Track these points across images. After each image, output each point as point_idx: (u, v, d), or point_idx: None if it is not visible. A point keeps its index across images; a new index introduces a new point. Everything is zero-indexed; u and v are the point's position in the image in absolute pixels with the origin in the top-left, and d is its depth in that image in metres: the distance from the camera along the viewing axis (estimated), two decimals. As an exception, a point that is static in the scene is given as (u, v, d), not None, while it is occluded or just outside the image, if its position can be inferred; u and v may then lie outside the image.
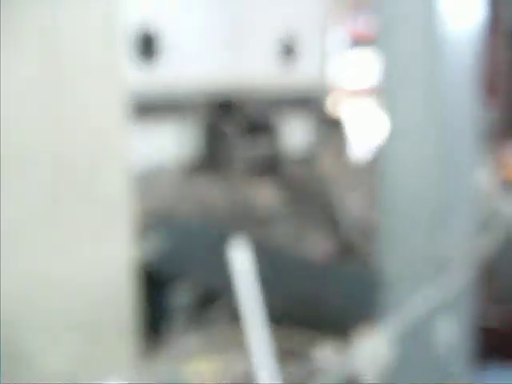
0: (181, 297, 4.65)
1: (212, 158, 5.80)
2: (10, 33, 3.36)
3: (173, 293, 4.69)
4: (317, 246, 5.69)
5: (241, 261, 3.51)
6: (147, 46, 5.35)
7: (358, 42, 13.93)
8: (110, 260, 3.72)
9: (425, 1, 4.01)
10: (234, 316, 4.31)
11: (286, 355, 4.00)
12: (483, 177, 5.02)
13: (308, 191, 6.34)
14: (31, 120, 3.37)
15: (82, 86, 3.56)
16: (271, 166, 6.23)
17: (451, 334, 4.13)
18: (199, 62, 5.76)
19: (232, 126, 5.82)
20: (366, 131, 6.94)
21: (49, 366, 3.39)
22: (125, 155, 3.83)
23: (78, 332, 3.54)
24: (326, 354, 4.01)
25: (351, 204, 5.28)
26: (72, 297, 3.51)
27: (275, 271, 4.48)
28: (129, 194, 3.86)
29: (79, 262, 3.53)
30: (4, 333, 3.28)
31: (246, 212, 5.68)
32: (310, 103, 7.00)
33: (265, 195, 6.06)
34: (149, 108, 5.35)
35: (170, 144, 5.63)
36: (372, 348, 4.03)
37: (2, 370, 3.26)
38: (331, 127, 7.09)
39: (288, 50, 6.71)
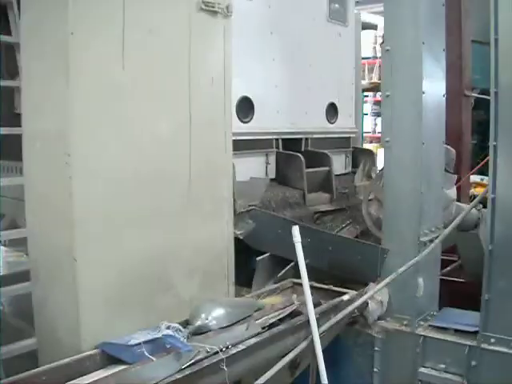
0: (261, 259, 4.90)
1: (286, 176, 6.09)
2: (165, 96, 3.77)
3: (256, 256, 4.91)
4: (350, 231, 6.04)
5: (297, 238, 4.01)
6: (246, 106, 5.66)
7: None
8: (220, 233, 4.11)
9: (414, 80, 4.39)
10: (294, 273, 4.75)
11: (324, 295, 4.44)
12: (450, 190, 5.33)
13: (346, 196, 6.64)
14: (178, 150, 3.79)
15: (207, 130, 3.99)
16: (325, 180, 6.47)
17: (425, 284, 4.50)
18: (277, 116, 6.05)
19: (299, 155, 6.05)
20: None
21: (182, 294, 3.87)
22: (231, 172, 4.23)
23: (199, 275, 4.01)
24: (349, 295, 4.35)
25: (371, 205, 5.52)
26: (198, 254, 3.90)
27: (321, 245, 4.80)
28: (232, 194, 4.30)
29: (203, 234, 3.95)
30: (160, 272, 3.80)
31: (307, 210, 6.10)
32: (348, 140, 7.28)
33: (320, 199, 6.41)
34: (250, 143, 5.74)
35: (260, 166, 5.93)
36: (378, 293, 4.49)
37: (156, 294, 3.80)
38: (362, 156, 7.31)
39: (334, 108, 6.92)
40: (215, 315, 3.62)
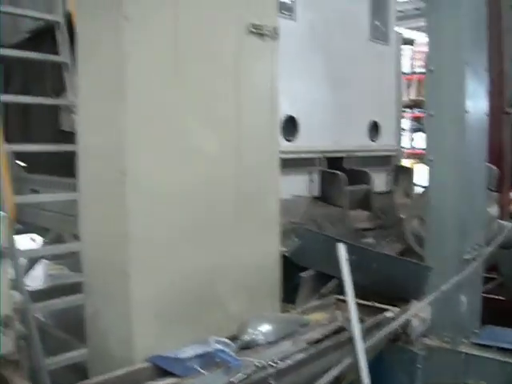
0: (305, 275, 4.95)
1: (328, 193, 6.16)
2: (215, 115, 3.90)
3: (299, 272, 4.95)
4: (392, 248, 6.05)
5: (343, 255, 4.08)
6: (290, 125, 5.79)
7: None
8: (268, 250, 4.19)
9: (457, 100, 4.44)
10: (337, 290, 4.80)
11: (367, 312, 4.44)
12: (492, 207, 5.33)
13: (387, 214, 6.73)
14: (227, 167, 3.91)
15: (255, 148, 4.08)
16: (365, 198, 6.55)
17: (467, 302, 4.53)
18: (321, 134, 6.15)
19: (340, 173, 6.14)
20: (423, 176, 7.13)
21: (230, 309, 3.93)
22: (277, 189, 4.31)
23: (247, 291, 4.07)
24: (393, 312, 4.40)
25: (412, 222, 5.55)
26: (246, 271, 3.99)
27: (365, 262, 4.75)
28: (278, 212, 4.36)
29: (251, 250, 4.04)
30: (208, 288, 3.87)
31: (348, 226, 6.13)
32: (389, 159, 7.37)
33: (360, 216, 6.48)
34: (294, 161, 5.83)
35: (303, 184, 6.02)
36: (420, 310, 4.52)
37: (204, 309, 3.87)
38: (402, 173, 7.35)
39: (376, 126, 7.02)
40: (263, 330, 3.72)
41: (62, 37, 5.96)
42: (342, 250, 4.05)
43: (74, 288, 4.54)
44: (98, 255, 3.63)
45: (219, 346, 3.44)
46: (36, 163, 6.59)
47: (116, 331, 3.54)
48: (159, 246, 3.50)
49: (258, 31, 3.95)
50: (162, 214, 3.52)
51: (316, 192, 6.19)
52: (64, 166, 6.32)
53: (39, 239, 7.98)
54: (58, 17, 5.99)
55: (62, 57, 5.92)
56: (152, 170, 3.45)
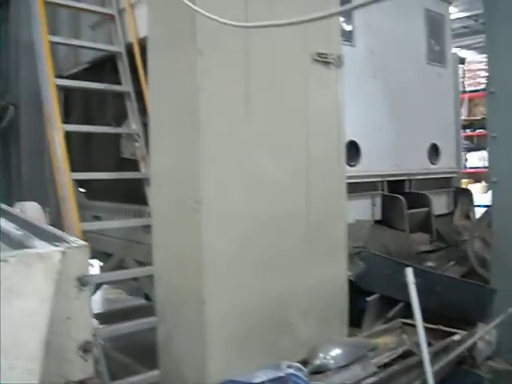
0: (371, 299, 4.94)
1: (390, 217, 6.20)
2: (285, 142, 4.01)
3: (367, 296, 4.94)
4: (454, 270, 5.97)
5: (411, 280, 4.13)
6: (353, 150, 5.84)
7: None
8: (335, 275, 4.23)
9: None
10: (401, 313, 4.84)
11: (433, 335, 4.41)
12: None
13: (448, 237, 6.73)
14: (296, 194, 3.98)
15: (323, 174, 4.15)
16: (425, 221, 6.55)
17: None
18: (382, 158, 6.20)
19: (401, 197, 6.17)
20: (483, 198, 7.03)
21: (299, 334, 4.01)
22: (344, 215, 4.38)
23: (316, 316, 4.15)
24: (460, 335, 4.37)
25: (474, 244, 5.55)
26: (314, 296, 4.04)
27: (430, 286, 4.74)
28: (345, 236, 4.45)
29: (320, 275, 4.09)
30: (278, 313, 3.96)
31: (410, 249, 6.12)
32: (449, 180, 7.37)
33: (421, 239, 6.48)
34: (356, 186, 5.88)
35: (366, 208, 6.08)
36: (487, 333, 4.52)
37: (275, 334, 3.96)
38: (462, 195, 7.34)
39: (436, 149, 7.05)
40: (333, 355, 3.77)
41: (123, 67, 6.14)
42: (409, 274, 4.10)
43: (130, 312, 4.60)
44: (173, 281, 3.73)
45: (291, 371, 3.49)
46: (96, 190, 6.74)
47: (190, 356, 3.63)
48: (233, 273, 3.59)
49: (323, 59, 4.04)
50: (236, 241, 3.61)
51: (378, 215, 6.24)
52: (124, 193, 6.52)
53: (96, 264, 8.11)
54: (119, 47, 6.16)
55: (124, 86, 6.08)
56: (225, 199, 3.55)
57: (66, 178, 5.24)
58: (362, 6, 2.04)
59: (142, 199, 6.23)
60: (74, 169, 5.38)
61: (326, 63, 4.07)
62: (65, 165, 5.27)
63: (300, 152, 3.95)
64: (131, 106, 6.07)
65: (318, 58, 3.99)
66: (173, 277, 3.72)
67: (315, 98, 4.03)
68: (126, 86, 6.09)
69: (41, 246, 2.39)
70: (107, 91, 6.36)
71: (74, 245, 2.25)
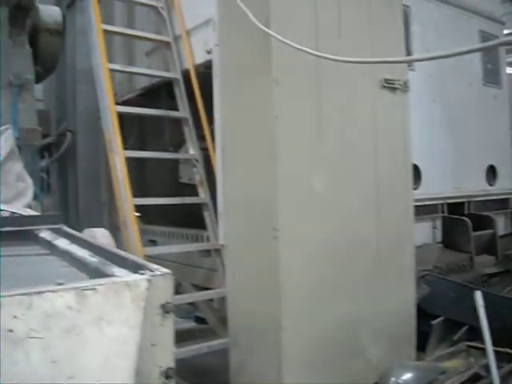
0: (436, 322, 4.90)
1: (452, 239, 6.20)
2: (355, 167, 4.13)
3: (431, 320, 4.90)
4: None
5: (479, 303, 4.16)
6: (414, 173, 5.75)
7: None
8: (404, 299, 4.24)
9: None
10: (465, 336, 4.86)
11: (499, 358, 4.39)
12: None
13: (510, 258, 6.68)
14: (367, 219, 4.06)
15: (391, 199, 4.24)
16: (490, 243, 6.54)
17: None
18: (442, 181, 6.23)
19: (466, 219, 6.16)
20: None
21: (370, 357, 4.06)
22: (412, 238, 4.44)
23: (385, 339, 4.22)
24: None
25: None
26: (384, 319, 4.15)
27: (497, 309, 4.68)
28: (413, 260, 4.46)
29: (389, 299, 4.18)
30: (350, 337, 4.02)
31: (474, 273, 6.09)
32: (507, 201, 7.36)
33: (486, 261, 6.44)
34: (418, 209, 5.76)
35: (427, 231, 6.10)
36: None
37: (346, 358, 4.01)
38: None
39: (493, 170, 7.08)
40: (405, 379, 3.82)
41: (180, 93, 6.25)
42: (478, 297, 4.14)
43: (183, 334, 4.63)
44: (248, 306, 3.80)
45: (370, 395, 3.56)
46: (151, 214, 6.83)
47: (265, 379, 3.70)
48: (308, 298, 3.66)
49: (390, 85, 4.11)
50: (311, 267, 3.68)
51: (439, 238, 6.24)
52: (180, 217, 6.61)
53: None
54: (176, 74, 6.28)
55: (182, 112, 6.19)
56: (301, 225, 3.62)
57: (128, 203, 5.35)
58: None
59: (198, 223, 6.35)
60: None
61: (393, 89, 4.14)
62: (127, 191, 5.38)
63: (369, 176, 4.03)
64: (189, 132, 6.17)
65: (386, 84, 4.06)
66: (248, 302, 3.79)
67: (383, 123, 4.10)
68: (184, 111, 6.20)
69: (121, 274, 2.42)
70: (164, 117, 6.49)
71: (158, 273, 2.25)
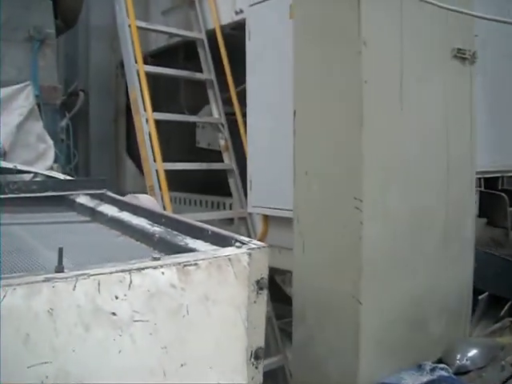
0: (481, 298, 4.68)
1: (489, 213, 5.94)
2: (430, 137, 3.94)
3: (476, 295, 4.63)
4: None
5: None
6: None
7: None
8: (464, 273, 4.04)
9: None
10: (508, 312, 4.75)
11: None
12: None
13: None
14: (438, 192, 3.87)
15: (459, 170, 3.99)
16: None
17: None
18: (480, 155, 6.12)
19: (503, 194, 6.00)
20: None
21: (433, 333, 3.87)
22: (473, 211, 4.36)
23: (447, 314, 4.00)
24: None
25: None
26: (447, 294, 3.95)
27: None
28: (474, 233, 4.29)
29: (452, 273, 3.98)
30: (417, 312, 3.87)
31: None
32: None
33: None
34: None
35: None
36: None
37: (412, 334, 3.84)
38: None
39: None
40: (470, 355, 3.72)
41: (204, 54, 6.03)
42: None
43: None
44: (319, 282, 3.60)
45: (443, 373, 3.45)
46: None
47: (337, 359, 3.52)
48: (385, 274, 3.48)
49: (460, 55, 3.94)
50: (389, 240, 3.47)
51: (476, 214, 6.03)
52: (200, 183, 6.41)
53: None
54: (200, 34, 6.05)
55: (206, 74, 5.98)
56: (383, 197, 3.43)
57: (159, 168, 5.16)
58: None
59: (219, 190, 6.15)
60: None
61: (463, 59, 3.97)
62: (157, 155, 5.18)
63: (441, 148, 3.83)
64: (214, 95, 5.96)
65: (458, 54, 3.90)
66: (319, 277, 3.61)
67: (453, 95, 3.92)
68: (209, 73, 5.98)
69: (199, 246, 2.25)
70: (185, 79, 6.25)
71: (254, 245, 2.05)
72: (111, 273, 1.72)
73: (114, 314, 1.69)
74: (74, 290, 1.62)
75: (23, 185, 3.46)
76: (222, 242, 2.20)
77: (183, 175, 5.65)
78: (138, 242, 2.64)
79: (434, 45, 3.77)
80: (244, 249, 2.03)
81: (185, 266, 1.86)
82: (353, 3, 3.27)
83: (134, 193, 4.27)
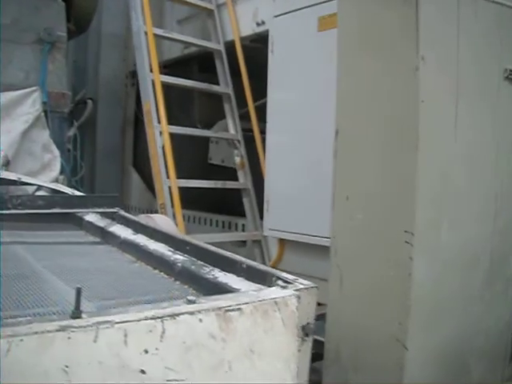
0: None
1: None
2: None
3: None
4: None
5: None
6: None
7: None
8: (507, 312, 3.75)
9: None
10: None
11: None
12: None
13: None
14: (488, 224, 3.62)
15: (508, 202, 3.75)
16: None
17: None
18: None
19: None
20: None
21: (474, 376, 3.59)
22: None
23: (489, 355, 3.65)
24: None
25: None
26: (491, 333, 3.61)
27: None
28: None
29: (497, 312, 3.54)
30: (457, 350, 3.51)
31: None
32: None
33: None
34: None
35: None
36: None
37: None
38: None
39: None
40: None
41: (222, 66, 5.71)
42: None
43: None
44: (357, 320, 3.22)
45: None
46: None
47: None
48: (433, 314, 3.12)
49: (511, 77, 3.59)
50: (439, 277, 3.09)
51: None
52: (210, 202, 6.07)
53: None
54: (219, 45, 5.72)
55: (223, 87, 5.64)
56: (434, 231, 3.07)
57: (172, 184, 4.84)
58: None
59: (231, 209, 5.81)
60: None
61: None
62: (171, 170, 4.85)
63: (490, 177, 3.47)
64: (230, 110, 5.63)
65: (510, 76, 3.53)
66: (359, 316, 3.22)
67: (504, 119, 3.55)
68: (226, 87, 5.64)
69: (232, 282, 1.92)
70: (201, 91, 5.92)
71: (301, 286, 1.72)
72: (139, 320, 1.35)
73: (143, 371, 1.33)
74: (95, 341, 1.27)
75: (27, 199, 3.15)
76: (260, 278, 1.87)
77: (193, 192, 5.31)
78: (157, 271, 2.31)
79: (486, 64, 3.39)
80: (291, 290, 1.70)
81: (226, 311, 1.50)
82: (410, 13, 2.91)
83: (140, 208, 3.92)
